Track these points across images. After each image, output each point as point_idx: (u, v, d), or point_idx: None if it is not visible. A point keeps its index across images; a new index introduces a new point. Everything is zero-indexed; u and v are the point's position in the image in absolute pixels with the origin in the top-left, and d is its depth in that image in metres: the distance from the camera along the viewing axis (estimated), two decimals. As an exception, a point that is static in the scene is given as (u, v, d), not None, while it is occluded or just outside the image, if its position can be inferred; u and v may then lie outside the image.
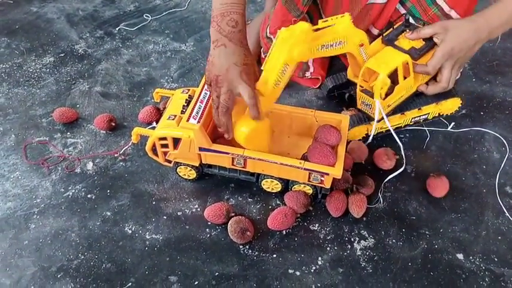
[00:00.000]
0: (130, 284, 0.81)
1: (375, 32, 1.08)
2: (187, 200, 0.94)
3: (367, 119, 0.98)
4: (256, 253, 0.85)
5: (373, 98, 0.92)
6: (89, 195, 0.95)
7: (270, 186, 0.92)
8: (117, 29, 1.42)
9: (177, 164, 0.93)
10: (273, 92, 0.83)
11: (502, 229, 0.89)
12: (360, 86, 0.95)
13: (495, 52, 1.29)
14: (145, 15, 1.46)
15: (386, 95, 0.92)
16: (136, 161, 1.01)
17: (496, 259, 0.84)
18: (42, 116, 1.12)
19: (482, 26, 0.87)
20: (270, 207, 0.92)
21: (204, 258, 0.84)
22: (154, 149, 0.91)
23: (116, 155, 1.01)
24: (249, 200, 0.94)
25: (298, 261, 0.84)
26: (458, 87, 1.17)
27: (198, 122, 0.85)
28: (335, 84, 1.08)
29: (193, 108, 0.87)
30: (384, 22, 1.06)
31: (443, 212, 0.91)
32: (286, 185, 0.91)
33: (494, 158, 1.01)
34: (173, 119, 0.86)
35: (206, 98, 0.90)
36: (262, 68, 0.83)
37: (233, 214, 0.88)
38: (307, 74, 1.16)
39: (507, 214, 0.90)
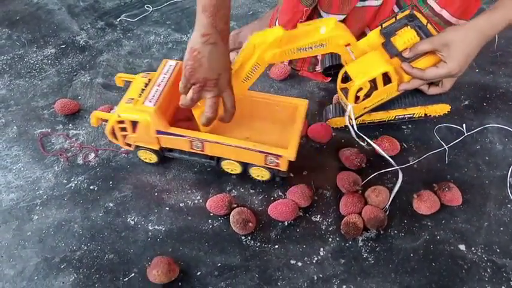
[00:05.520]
0: (133, 274, 0.81)
1: None
2: (189, 192, 0.94)
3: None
4: (258, 244, 0.85)
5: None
6: (91, 187, 0.95)
7: (230, 167, 0.94)
8: (118, 20, 1.41)
9: (138, 148, 0.94)
10: (240, 87, 0.86)
11: (504, 220, 0.89)
12: (341, 83, 0.93)
13: (499, 42, 1.28)
14: (147, 6, 1.45)
15: (367, 95, 0.90)
16: (139, 153, 1.01)
17: (498, 250, 0.84)
18: (44, 107, 1.12)
19: (486, 32, 0.83)
20: (272, 198, 0.92)
21: (207, 249, 0.85)
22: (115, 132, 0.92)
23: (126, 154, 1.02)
24: (251, 191, 0.94)
25: (300, 252, 0.84)
26: (461, 78, 1.16)
27: (154, 104, 0.86)
28: (332, 64, 1.01)
29: (149, 92, 0.88)
30: None
31: (445, 203, 0.91)
32: (246, 167, 0.92)
33: (497, 149, 1.01)
34: (131, 102, 0.87)
35: (164, 81, 0.91)
36: (232, 66, 0.83)
37: (235, 205, 0.88)
38: (317, 68, 1.15)
39: (510, 205, 0.90)
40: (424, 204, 0.87)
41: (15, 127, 1.07)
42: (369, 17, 1.02)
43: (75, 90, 1.17)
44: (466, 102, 1.10)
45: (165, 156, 0.96)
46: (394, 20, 0.93)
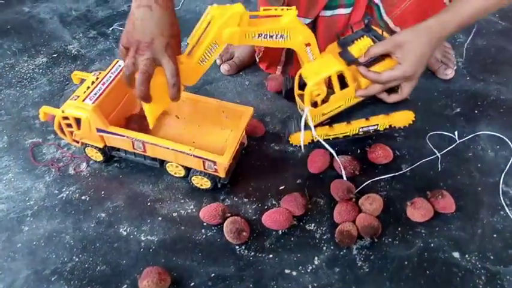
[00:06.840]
0: (125, 286, 0.80)
1: None
2: (182, 201, 0.93)
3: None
4: (252, 253, 0.85)
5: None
6: (83, 197, 0.94)
7: (174, 170, 0.94)
8: (110, 29, 1.41)
9: (85, 145, 0.96)
10: (196, 69, 0.80)
11: (497, 227, 0.89)
12: (298, 90, 0.93)
13: (489, 50, 1.29)
14: (139, 15, 1.45)
15: (323, 102, 0.90)
16: (131, 162, 1.00)
17: (492, 257, 0.84)
18: (35, 117, 1.11)
19: (437, 33, 0.83)
20: (265, 207, 0.92)
21: (200, 259, 0.84)
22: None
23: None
24: (245, 200, 0.93)
25: (294, 261, 0.84)
26: (453, 85, 1.17)
27: (94, 102, 0.88)
28: (292, 87, 0.98)
29: (92, 90, 0.90)
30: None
31: (439, 210, 0.91)
32: (189, 171, 0.93)
33: (489, 156, 1.01)
34: (75, 100, 0.89)
35: (109, 81, 0.93)
36: (188, 41, 0.78)
37: (229, 214, 0.88)
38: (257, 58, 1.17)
39: (503, 212, 0.91)
40: (418, 211, 0.88)
41: (5, 137, 1.06)
42: (340, 24, 1.03)
43: (67, 99, 1.16)
44: (458, 110, 1.11)
45: (111, 155, 0.97)
46: (351, 32, 0.93)
